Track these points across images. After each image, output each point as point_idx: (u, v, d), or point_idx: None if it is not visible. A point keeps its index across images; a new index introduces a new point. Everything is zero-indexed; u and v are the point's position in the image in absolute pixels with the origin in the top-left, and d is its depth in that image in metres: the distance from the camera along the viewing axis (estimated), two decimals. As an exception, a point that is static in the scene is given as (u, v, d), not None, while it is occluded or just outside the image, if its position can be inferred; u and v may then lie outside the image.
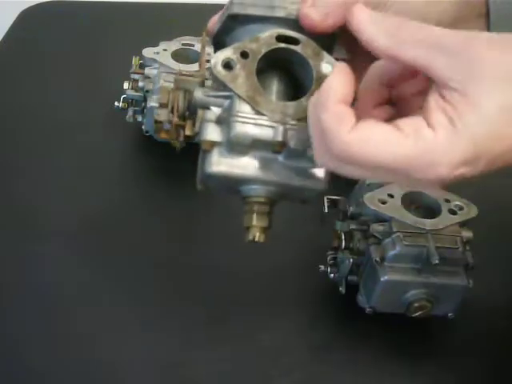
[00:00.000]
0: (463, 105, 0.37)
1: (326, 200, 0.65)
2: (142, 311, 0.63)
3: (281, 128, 0.44)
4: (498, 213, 0.71)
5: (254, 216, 0.46)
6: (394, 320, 0.60)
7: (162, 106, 0.48)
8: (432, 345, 0.62)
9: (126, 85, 0.76)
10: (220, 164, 0.45)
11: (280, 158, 0.45)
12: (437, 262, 0.55)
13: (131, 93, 0.76)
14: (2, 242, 0.69)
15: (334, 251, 0.62)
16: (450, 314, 0.60)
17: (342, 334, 0.62)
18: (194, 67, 0.75)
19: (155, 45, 0.78)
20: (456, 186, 0.62)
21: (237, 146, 0.45)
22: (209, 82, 0.47)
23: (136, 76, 0.76)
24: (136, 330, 0.61)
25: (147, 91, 0.75)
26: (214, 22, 0.50)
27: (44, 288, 0.64)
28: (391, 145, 0.37)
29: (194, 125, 0.47)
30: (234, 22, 0.48)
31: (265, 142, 0.44)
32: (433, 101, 0.38)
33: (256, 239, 0.46)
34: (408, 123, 0.38)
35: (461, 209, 0.60)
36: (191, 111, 0.47)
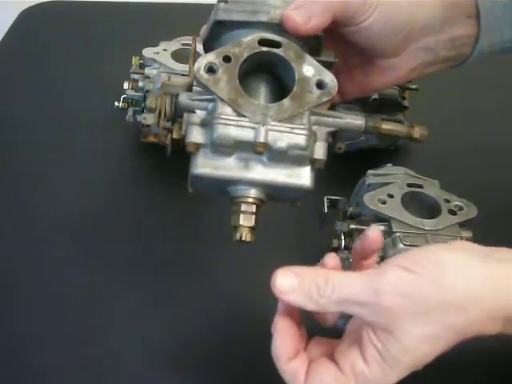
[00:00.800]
0: (390, 342, 0.43)
1: (325, 200, 0.65)
2: (142, 311, 0.63)
3: (262, 129, 0.45)
4: (498, 213, 0.71)
5: (241, 216, 0.47)
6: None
7: (150, 110, 0.49)
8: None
9: (125, 85, 0.76)
10: (205, 166, 0.46)
11: (264, 158, 0.46)
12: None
13: (131, 93, 0.76)
14: (2, 242, 0.69)
15: (334, 251, 0.62)
16: (449, 314, 0.60)
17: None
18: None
19: (155, 45, 0.78)
20: (456, 185, 0.62)
21: (221, 148, 0.45)
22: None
23: (136, 76, 0.76)
24: (136, 330, 0.61)
25: (147, 91, 0.74)
26: (204, 31, 0.51)
27: (44, 288, 0.64)
28: None
29: (181, 128, 0.47)
30: (221, 28, 0.49)
31: (247, 142, 0.45)
32: (366, 336, 0.44)
33: (243, 238, 0.47)
34: (347, 362, 0.45)
35: (461, 209, 0.60)
36: (178, 115, 0.48)
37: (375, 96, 0.73)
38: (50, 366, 0.58)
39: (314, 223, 0.66)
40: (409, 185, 0.62)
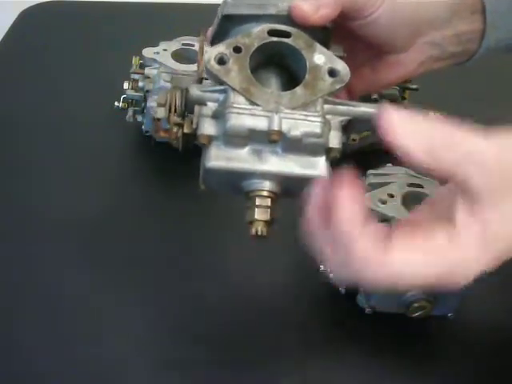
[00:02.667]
0: (495, 223, 0.39)
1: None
2: (142, 311, 0.63)
3: (276, 117, 0.44)
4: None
5: (256, 210, 0.46)
6: (394, 320, 0.60)
7: (160, 106, 0.48)
8: (432, 345, 0.62)
9: (125, 85, 0.76)
10: (218, 158, 0.45)
11: (278, 148, 0.45)
12: (437, 262, 0.55)
13: (131, 93, 0.76)
14: (2, 242, 0.69)
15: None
16: (449, 314, 0.60)
17: (341, 333, 0.62)
18: (194, 67, 0.75)
19: (155, 45, 0.78)
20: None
21: (234, 139, 0.45)
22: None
23: (136, 76, 0.76)
24: (137, 329, 0.61)
25: (147, 91, 0.74)
26: (211, 29, 0.51)
27: (44, 288, 0.64)
28: (430, 265, 0.40)
29: (192, 122, 0.47)
30: (229, 23, 0.49)
31: (261, 131, 0.44)
32: (463, 214, 0.40)
33: (259, 233, 0.46)
34: (441, 236, 0.40)
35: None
36: (189, 109, 0.47)
37: (375, 96, 0.73)
38: (49, 366, 0.58)
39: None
40: (409, 184, 0.62)
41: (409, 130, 0.41)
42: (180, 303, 0.64)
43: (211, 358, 0.59)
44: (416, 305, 0.57)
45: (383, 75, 0.57)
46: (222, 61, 0.45)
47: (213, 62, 0.45)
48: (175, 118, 0.47)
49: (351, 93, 0.56)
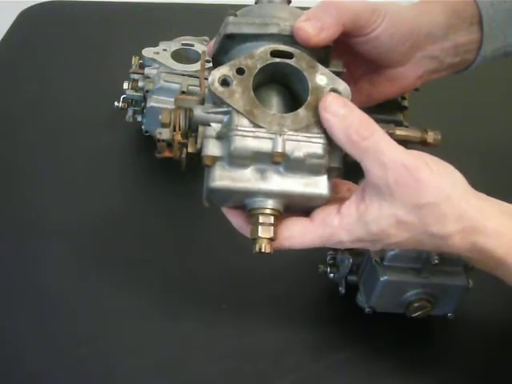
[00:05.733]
0: (373, 207, 0.46)
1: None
2: (142, 311, 0.63)
3: (279, 139, 0.45)
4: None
5: (260, 228, 0.47)
6: (394, 320, 0.60)
7: (164, 125, 0.49)
8: (432, 345, 0.62)
9: (125, 85, 0.76)
10: (222, 178, 0.46)
11: (281, 169, 0.46)
12: (436, 262, 0.55)
13: (131, 93, 0.76)
14: (2, 243, 0.69)
15: (333, 251, 0.62)
16: (449, 314, 0.60)
17: (341, 333, 0.62)
18: (194, 67, 0.75)
19: (155, 45, 0.78)
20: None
21: (238, 160, 0.45)
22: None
23: (136, 76, 0.77)
24: (136, 329, 0.61)
25: (147, 91, 0.75)
26: (212, 45, 0.51)
27: (44, 288, 0.64)
28: (306, 236, 0.49)
29: (196, 142, 0.47)
30: (231, 42, 0.49)
31: (264, 153, 0.45)
32: (354, 197, 0.47)
33: (262, 250, 0.47)
34: (320, 214, 0.48)
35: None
36: (193, 129, 0.48)
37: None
38: (49, 366, 0.58)
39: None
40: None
41: (340, 113, 0.45)
42: (180, 303, 0.64)
43: (211, 359, 0.59)
44: (416, 305, 0.57)
45: (381, 89, 0.57)
46: (225, 82, 0.46)
47: (217, 85, 0.46)
48: (179, 138, 0.48)
49: None
